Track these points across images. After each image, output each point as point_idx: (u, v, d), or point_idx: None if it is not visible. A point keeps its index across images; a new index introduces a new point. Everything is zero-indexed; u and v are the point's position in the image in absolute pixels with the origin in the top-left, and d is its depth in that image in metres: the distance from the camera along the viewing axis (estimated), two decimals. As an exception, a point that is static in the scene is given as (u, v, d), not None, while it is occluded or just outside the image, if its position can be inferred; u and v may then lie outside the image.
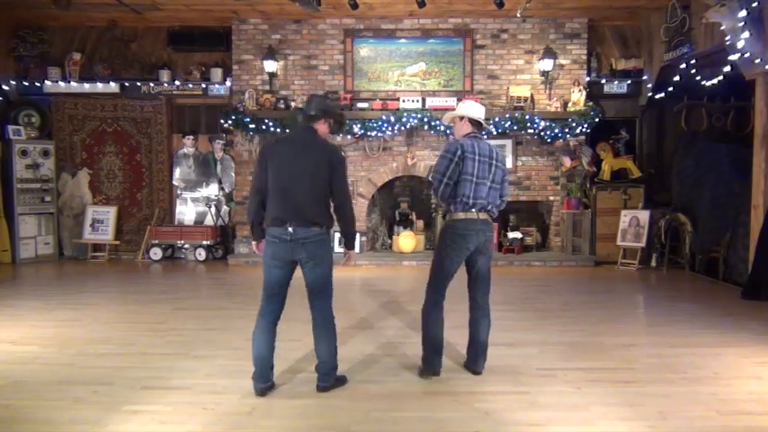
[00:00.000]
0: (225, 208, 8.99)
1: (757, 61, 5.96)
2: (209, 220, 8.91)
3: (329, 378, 3.57)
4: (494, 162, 3.74)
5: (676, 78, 7.91)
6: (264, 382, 3.50)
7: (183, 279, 7.45)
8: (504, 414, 3.25)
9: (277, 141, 3.60)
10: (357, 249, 3.63)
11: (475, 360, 3.85)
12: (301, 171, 3.40)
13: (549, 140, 8.37)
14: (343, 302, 6.01)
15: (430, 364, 3.75)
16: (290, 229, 3.37)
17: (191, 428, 3.08)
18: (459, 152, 3.64)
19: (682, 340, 4.64)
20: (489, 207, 3.75)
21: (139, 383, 3.68)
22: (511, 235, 8.55)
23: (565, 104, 8.43)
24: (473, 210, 3.69)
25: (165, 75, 8.85)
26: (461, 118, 3.84)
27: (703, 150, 7.85)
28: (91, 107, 8.99)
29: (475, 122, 3.82)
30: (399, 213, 9.01)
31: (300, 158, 3.42)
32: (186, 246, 8.73)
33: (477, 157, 3.67)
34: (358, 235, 8.48)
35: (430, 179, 3.80)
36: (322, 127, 3.57)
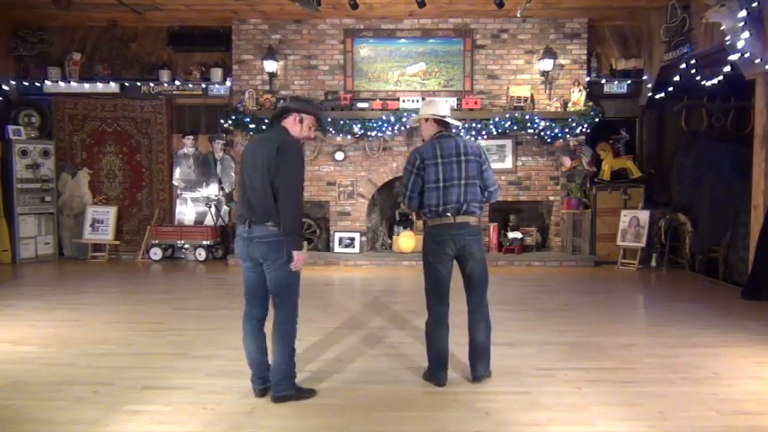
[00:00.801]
0: (225, 208, 8.99)
1: (757, 61, 5.96)
2: (209, 220, 8.91)
3: (281, 387, 3.37)
4: (462, 158, 3.56)
5: (676, 78, 7.90)
6: (263, 384, 3.47)
7: (183, 279, 7.45)
8: (504, 414, 3.25)
9: (249, 142, 3.53)
10: (304, 251, 3.34)
11: (474, 365, 3.72)
12: (256, 167, 3.28)
13: (549, 140, 8.37)
14: (343, 302, 6.02)
15: (435, 376, 3.67)
16: (248, 227, 3.31)
17: (191, 428, 3.08)
18: (417, 162, 3.55)
19: (682, 340, 4.63)
20: (467, 207, 3.57)
21: (139, 383, 3.68)
22: (511, 235, 8.54)
23: (565, 104, 8.43)
24: (447, 214, 3.55)
25: (165, 75, 8.84)
26: (426, 120, 3.69)
27: (703, 150, 7.86)
28: (91, 107, 8.98)
29: (441, 122, 3.67)
30: (399, 213, 9.01)
31: (256, 154, 3.32)
32: (186, 246, 8.73)
33: (439, 161, 3.54)
34: (358, 235, 8.51)
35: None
36: (296, 126, 3.39)
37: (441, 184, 3.54)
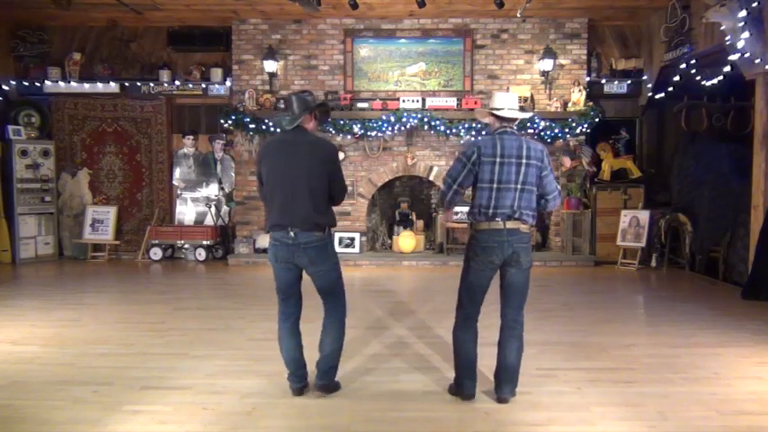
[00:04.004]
0: (225, 208, 8.99)
1: (757, 61, 5.96)
2: (209, 220, 8.91)
3: (328, 377, 3.48)
4: (524, 161, 3.23)
5: (676, 78, 7.89)
6: (301, 382, 3.50)
7: (183, 279, 7.45)
8: (504, 414, 3.25)
9: (269, 145, 3.52)
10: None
11: (500, 385, 3.39)
12: (298, 174, 3.30)
13: (549, 140, 8.37)
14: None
15: (463, 387, 3.41)
16: (292, 234, 3.31)
17: (191, 428, 3.08)
18: (474, 156, 3.22)
19: (682, 340, 4.63)
20: (519, 215, 3.24)
21: (139, 383, 3.68)
22: (511, 235, 8.53)
23: (565, 104, 8.44)
24: (497, 219, 3.23)
25: (165, 75, 8.84)
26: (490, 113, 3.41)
27: (703, 150, 7.85)
28: (91, 107, 8.99)
29: (506, 117, 3.36)
30: (399, 213, 9.01)
31: (296, 161, 3.33)
32: (186, 246, 8.73)
33: (498, 160, 3.21)
34: (358, 235, 8.53)
35: (442, 184, 3.43)
36: (311, 124, 3.48)
37: (495, 186, 3.23)
